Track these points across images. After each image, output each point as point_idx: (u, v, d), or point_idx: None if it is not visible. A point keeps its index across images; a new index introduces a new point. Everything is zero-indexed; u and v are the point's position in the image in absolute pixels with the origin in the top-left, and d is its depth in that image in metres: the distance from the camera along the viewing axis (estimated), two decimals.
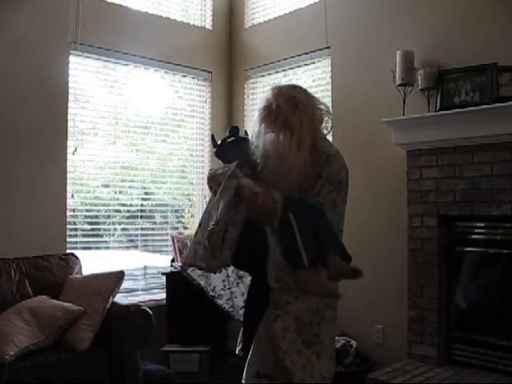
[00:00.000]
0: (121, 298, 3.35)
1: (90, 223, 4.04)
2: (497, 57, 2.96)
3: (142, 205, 4.28)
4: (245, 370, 1.84)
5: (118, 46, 4.01)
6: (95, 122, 4.02)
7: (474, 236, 3.13)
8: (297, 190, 1.72)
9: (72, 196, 3.84)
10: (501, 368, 2.93)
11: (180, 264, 3.91)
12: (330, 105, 3.67)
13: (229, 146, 1.97)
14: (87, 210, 4.02)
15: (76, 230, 3.89)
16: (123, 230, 4.21)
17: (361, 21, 3.73)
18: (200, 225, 1.84)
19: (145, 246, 4.30)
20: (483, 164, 2.97)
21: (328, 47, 3.93)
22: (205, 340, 3.67)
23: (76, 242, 3.84)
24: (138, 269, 4.19)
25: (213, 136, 2.07)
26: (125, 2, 4.09)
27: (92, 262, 3.73)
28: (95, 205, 4.07)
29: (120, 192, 4.19)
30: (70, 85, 3.78)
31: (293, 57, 4.20)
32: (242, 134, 2.03)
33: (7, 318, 2.87)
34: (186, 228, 4.58)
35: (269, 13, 4.47)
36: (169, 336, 3.75)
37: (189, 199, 4.60)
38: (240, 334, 2.02)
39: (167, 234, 4.37)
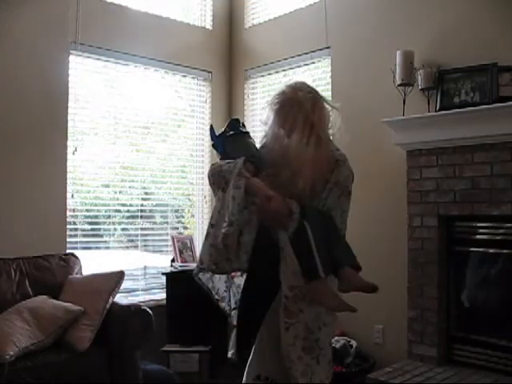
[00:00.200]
0: (121, 298, 3.35)
1: (90, 223, 4.04)
2: (497, 57, 2.96)
3: (142, 205, 4.27)
4: (246, 371, 1.83)
5: (118, 46, 4.00)
6: (95, 122, 4.02)
7: (474, 236, 3.13)
8: (308, 190, 1.70)
9: (72, 196, 3.84)
10: (501, 368, 2.93)
11: (193, 268, 3.83)
12: None
13: (230, 140, 1.89)
14: (87, 210, 4.02)
15: (76, 230, 3.89)
16: (123, 230, 4.21)
17: (361, 21, 3.72)
18: (212, 225, 1.79)
19: (145, 246, 4.30)
20: (483, 164, 2.96)
21: (328, 47, 3.93)
22: (205, 340, 3.67)
23: (76, 242, 3.84)
24: (138, 269, 4.19)
25: (212, 127, 1.97)
26: (125, 1, 4.09)
27: (92, 262, 3.72)
28: (95, 205, 4.07)
29: (120, 192, 4.18)
30: (70, 85, 3.78)
31: (293, 57, 4.20)
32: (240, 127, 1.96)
33: (7, 317, 2.87)
34: (186, 228, 4.57)
35: (269, 13, 4.46)
36: (169, 336, 3.74)
37: (189, 199, 4.60)
38: (232, 336, 1.96)
39: (167, 234, 4.37)
